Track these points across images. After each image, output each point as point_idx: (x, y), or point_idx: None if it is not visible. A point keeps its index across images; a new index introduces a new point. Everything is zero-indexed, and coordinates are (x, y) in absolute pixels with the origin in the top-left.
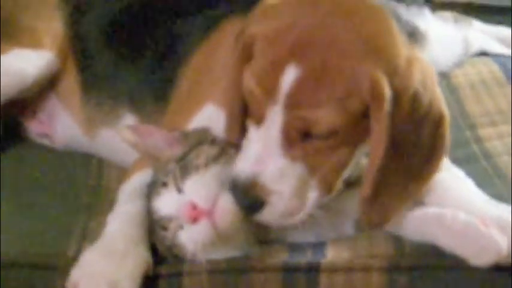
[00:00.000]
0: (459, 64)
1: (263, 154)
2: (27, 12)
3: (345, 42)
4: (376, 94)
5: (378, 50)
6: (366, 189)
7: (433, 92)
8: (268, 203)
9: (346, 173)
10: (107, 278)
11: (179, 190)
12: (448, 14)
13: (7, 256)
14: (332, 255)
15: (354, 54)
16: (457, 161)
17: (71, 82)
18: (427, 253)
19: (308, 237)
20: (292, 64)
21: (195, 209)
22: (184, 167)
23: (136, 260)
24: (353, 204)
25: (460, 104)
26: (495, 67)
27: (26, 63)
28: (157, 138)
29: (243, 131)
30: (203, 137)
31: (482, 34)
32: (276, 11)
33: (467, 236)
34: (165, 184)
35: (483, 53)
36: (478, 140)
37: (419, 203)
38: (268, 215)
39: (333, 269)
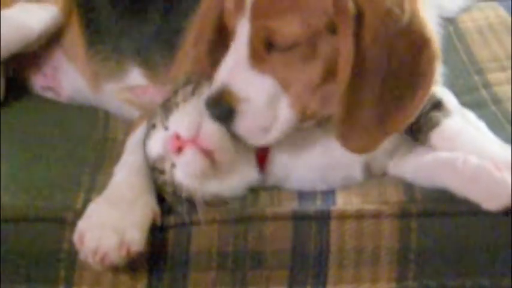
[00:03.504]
0: (466, 9)
1: (232, 65)
2: None
3: None
4: (339, 9)
5: None
6: (337, 107)
7: (414, 15)
8: (238, 111)
9: (325, 104)
10: (114, 227)
11: (165, 128)
12: None
13: (15, 210)
14: (342, 202)
15: None
16: (466, 106)
17: (76, 36)
18: (438, 199)
19: (317, 184)
20: None
21: (179, 139)
22: (166, 107)
23: (144, 209)
24: None
25: (468, 50)
26: (502, 12)
27: (31, 18)
28: (153, 94)
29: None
30: (181, 81)
31: None
32: None
33: (479, 180)
34: (153, 126)
35: None
36: (487, 85)
37: (430, 147)
38: (242, 125)
39: (343, 216)
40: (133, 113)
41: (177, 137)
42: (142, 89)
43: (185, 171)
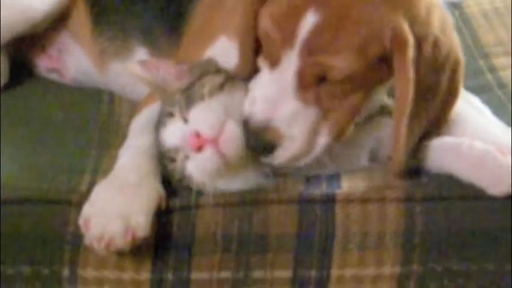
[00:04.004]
0: None
1: (276, 98)
2: None
3: None
4: (399, 41)
5: None
6: (399, 135)
7: (451, 38)
8: (280, 147)
9: (358, 118)
10: (119, 213)
11: (184, 120)
12: None
13: (20, 192)
14: (347, 186)
15: (375, 1)
16: (471, 91)
17: (81, 16)
18: (443, 183)
19: (323, 169)
20: (312, 9)
21: (200, 138)
22: (189, 97)
23: (149, 193)
24: (368, 136)
25: (473, 34)
26: None
27: None
28: (166, 71)
29: (253, 69)
30: (208, 67)
31: None
32: None
33: (484, 165)
34: (171, 115)
35: None
36: (492, 69)
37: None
38: (278, 158)
39: (349, 200)
40: (139, 93)
41: (198, 135)
42: (155, 64)
43: (200, 168)
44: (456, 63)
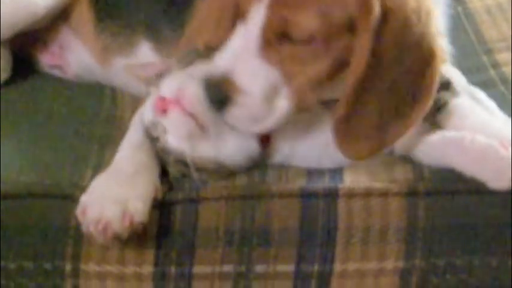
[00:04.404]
0: None
1: (240, 51)
2: None
3: None
4: (364, 7)
5: None
6: (340, 107)
7: (426, 26)
8: (235, 101)
9: (324, 93)
10: (116, 199)
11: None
12: None
13: (22, 186)
14: (350, 180)
15: None
16: (474, 86)
17: (83, 12)
18: (446, 178)
19: (323, 162)
20: None
21: (164, 101)
22: (162, 74)
23: (145, 183)
24: None
25: (476, 29)
26: None
27: None
28: (163, 70)
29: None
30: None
31: None
32: None
33: (486, 159)
34: (148, 93)
35: None
36: (495, 65)
37: (437, 127)
38: (234, 115)
39: (351, 194)
40: (141, 89)
41: (162, 99)
42: (153, 67)
43: (172, 133)
44: (429, 55)
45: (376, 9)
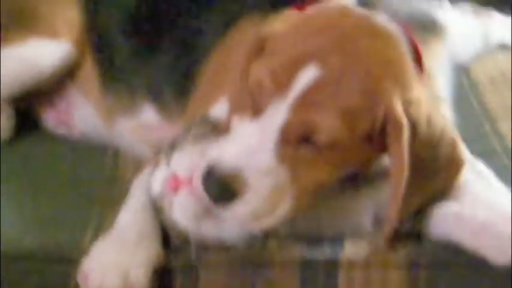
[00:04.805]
0: (478, 57)
1: (255, 147)
2: (44, 0)
3: (369, 60)
4: (394, 122)
5: (396, 77)
6: (391, 219)
7: (443, 117)
8: (241, 198)
9: (321, 195)
10: (117, 267)
11: (167, 166)
12: (467, 6)
13: (21, 247)
14: (350, 250)
15: (376, 74)
16: (476, 155)
17: (89, 72)
18: (447, 250)
19: (326, 232)
20: (313, 63)
21: (177, 179)
22: (173, 145)
23: (149, 251)
24: (369, 200)
25: (479, 98)
26: None
27: (43, 54)
28: (167, 133)
29: None
30: (203, 124)
31: (502, 26)
32: (298, 17)
33: (485, 234)
34: (157, 164)
35: (503, 46)
36: (498, 134)
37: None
38: (237, 211)
39: (352, 265)
40: (145, 150)
41: (175, 177)
42: (158, 130)
43: (178, 210)
44: (453, 140)
45: (405, 121)
